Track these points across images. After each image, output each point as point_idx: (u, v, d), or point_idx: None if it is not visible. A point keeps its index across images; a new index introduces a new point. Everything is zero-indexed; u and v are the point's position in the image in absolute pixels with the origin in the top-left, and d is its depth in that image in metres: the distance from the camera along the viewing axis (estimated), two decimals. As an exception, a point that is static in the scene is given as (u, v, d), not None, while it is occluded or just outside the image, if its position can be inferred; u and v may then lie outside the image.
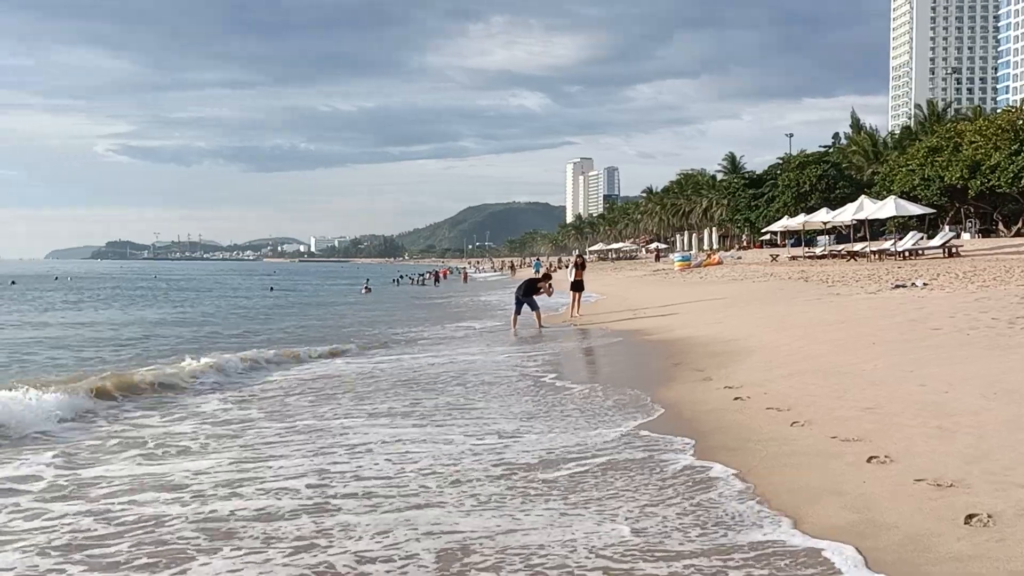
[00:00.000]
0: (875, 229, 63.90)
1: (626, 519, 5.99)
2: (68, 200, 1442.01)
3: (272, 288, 71.77)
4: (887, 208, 44.35)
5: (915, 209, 47.41)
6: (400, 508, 6.51)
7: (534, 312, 22.82)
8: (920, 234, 47.97)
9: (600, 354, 17.42)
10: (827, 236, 67.32)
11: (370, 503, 6.68)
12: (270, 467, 7.91)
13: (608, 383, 12.58)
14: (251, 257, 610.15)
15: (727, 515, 5.95)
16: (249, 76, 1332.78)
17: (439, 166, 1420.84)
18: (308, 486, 7.21)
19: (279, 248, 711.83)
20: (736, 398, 9.99)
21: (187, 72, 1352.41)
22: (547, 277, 25.03)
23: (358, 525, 6.11)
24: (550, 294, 24.44)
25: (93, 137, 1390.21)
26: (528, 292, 23.19)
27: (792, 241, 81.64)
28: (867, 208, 46.45)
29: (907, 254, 42.16)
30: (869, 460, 6.81)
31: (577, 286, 26.13)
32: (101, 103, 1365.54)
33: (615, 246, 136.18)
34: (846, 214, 49.11)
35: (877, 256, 43.62)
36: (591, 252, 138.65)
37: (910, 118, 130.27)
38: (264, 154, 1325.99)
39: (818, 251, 56.45)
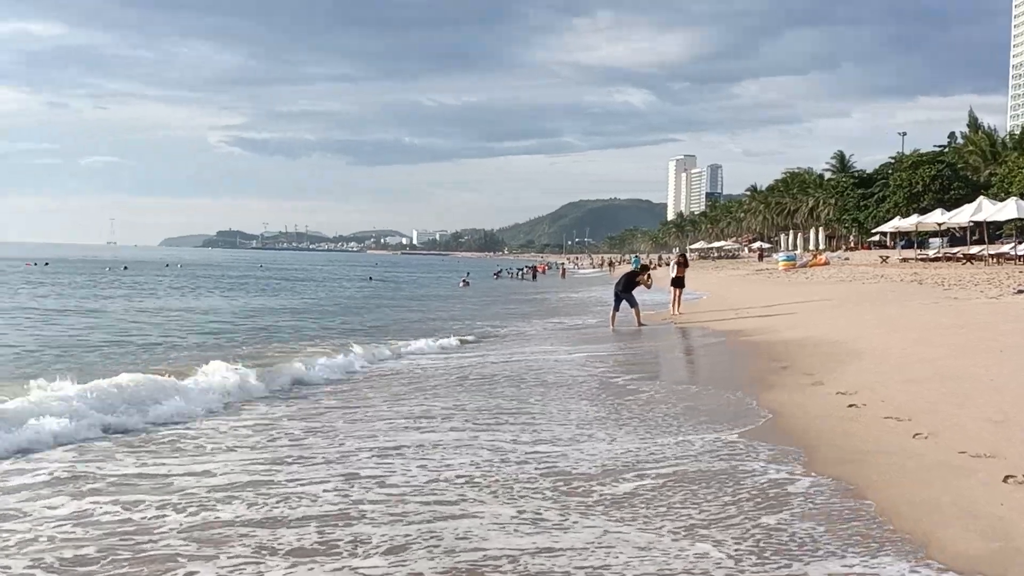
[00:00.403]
0: (992, 232, 61.24)
1: (715, 542, 5.42)
2: (182, 190, 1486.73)
3: (371, 278, 73.02)
4: (1008, 210, 42.04)
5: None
6: (429, 519, 6.01)
7: (633, 308, 22.20)
8: (1043, 237, 45.35)
9: (700, 354, 16.82)
10: (940, 238, 64.54)
11: (396, 512, 6.20)
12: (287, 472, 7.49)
13: (708, 385, 12.00)
14: (355, 249, 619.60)
15: (842, 538, 5.34)
16: (356, 70, 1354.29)
17: (541, 162, 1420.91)
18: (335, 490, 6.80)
19: (382, 240, 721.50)
20: (850, 405, 9.28)
21: (297, 66, 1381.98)
22: (645, 269, 24.30)
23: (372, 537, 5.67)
24: (649, 286, 23.78)
25: (207, 128, 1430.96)
26: (627, 287, 22.57)
27: (903, 243, 78.88)
28: (986, 209, 44.25)
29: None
30: (1005, 480, 6.12)
31: (678, 283, 25.44)
32: (215, 95, 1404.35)
33: (717, 244, 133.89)
34: (963, 215, 46.96)
35: (995, 260, 41.60)
36: (692, 250, 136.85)
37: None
38: (368, 147, 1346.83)
39: (931, 253, 54.16)
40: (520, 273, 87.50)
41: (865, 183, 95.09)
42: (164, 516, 6.14)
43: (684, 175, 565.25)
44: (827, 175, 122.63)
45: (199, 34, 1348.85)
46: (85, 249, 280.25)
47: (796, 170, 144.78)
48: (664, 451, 7.88)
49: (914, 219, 58.05)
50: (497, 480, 7.01)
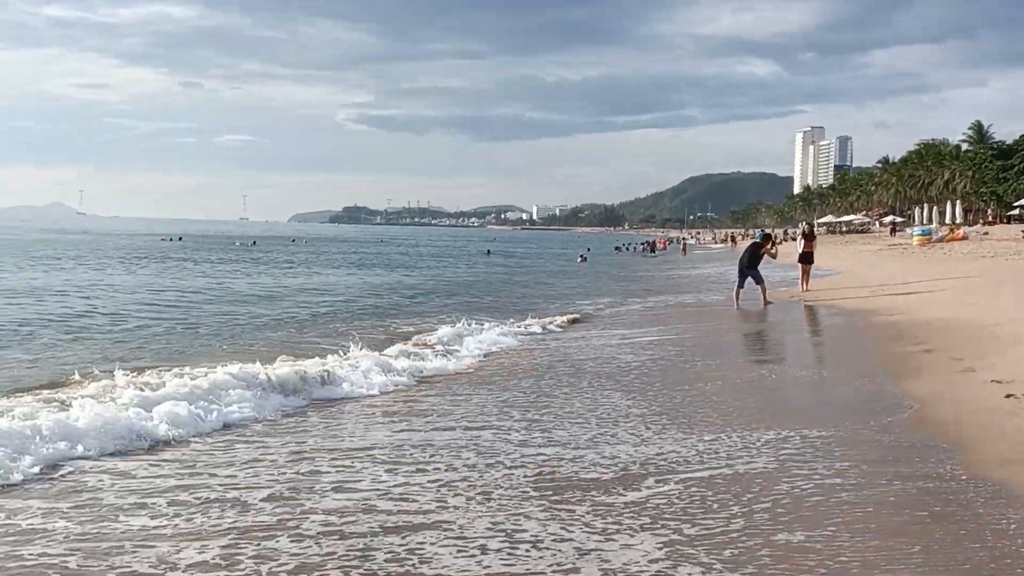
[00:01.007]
0: None
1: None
2: (311, 167, 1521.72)
3: (489, 252, 73.62)
4: None
5: None
6: (366, 534, 5.21)
7: (760, 286, 21.09)
8: None
9: (831, 335, 15.73)
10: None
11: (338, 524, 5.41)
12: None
13: (839, 369, 11.07)
14: (475, 224, 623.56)
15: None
16: (478, 46, 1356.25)
17: (663, 135, 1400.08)
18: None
19: (502, 216, 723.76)
20: (1009, 395, 8.28)
21: (420, 43, 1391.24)
22: (769, 238, 22.85)
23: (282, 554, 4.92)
24: (774, 256, 22.51)
25: (335, 106, 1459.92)
26: (752, 262, 21.39)
27: (1051, 217, 74.89)
28: None
29: None
30: None
31: (806, 259, 24.16)
32: (343, 74, 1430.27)
33: (846, 218, 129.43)
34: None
35: None
36: (820, 224, 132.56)
37: None
38: (490, 123, 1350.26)
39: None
40: (640, 248, 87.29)
41: (1005, 155, 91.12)
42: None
43: (811, 148, 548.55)
44: (964, 147, 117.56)
45: (328, 13, 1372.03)
46: (219, 225, 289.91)
47: (931, 141, 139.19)
48: (803, 450, 7.10)
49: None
50: (475, 487, 6.20)
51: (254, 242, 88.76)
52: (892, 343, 12.71)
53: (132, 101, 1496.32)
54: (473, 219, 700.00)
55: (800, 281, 24.28)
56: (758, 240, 22.45)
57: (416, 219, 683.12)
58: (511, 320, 18.70)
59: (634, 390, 9.96)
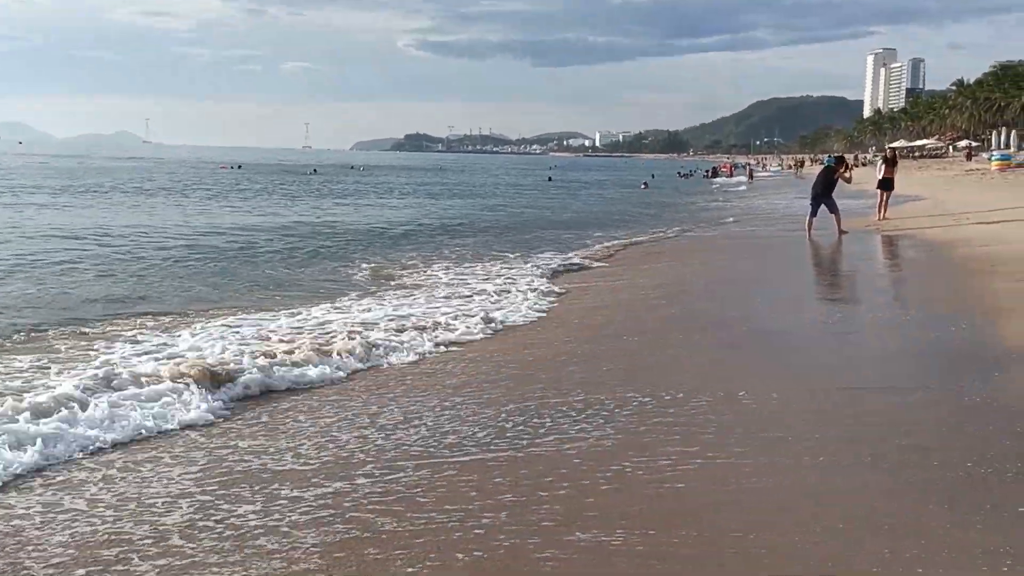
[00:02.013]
0: None
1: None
2: (372, 94, 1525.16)
3: (550, 179, 74.75)
4: None
5: None
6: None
7: (833, 214, 19.66)
8: None
9: (915, 269, 14.38)
10: None
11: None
12: None
13: (930, 308, 9.88)
14: (537, 151, 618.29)
15: None
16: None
17: (728, 58, 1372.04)
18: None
19: (564, 143, 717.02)
20: None
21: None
22: (842, 161, 21.17)
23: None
24: (849, 181, 20.98)
25: (397, 32, 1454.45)
26: (827, 188, 19.85)
27: None
28: None
29: None
30: None
31: (886, 185, 22.65)
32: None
33: (919, 143, 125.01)
34: None
35: None
36: (891, 149, 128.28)
37: None
38: (552, 48, 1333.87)
39: None
40: (705, 174, 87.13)
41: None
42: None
43: (883, 70, 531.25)
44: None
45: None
46: (281, 153, 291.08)
47: (1009, 63, 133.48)
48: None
49: None
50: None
51: (315, 170, 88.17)
52: (986, 279, 11.40)
53: (196, 28, 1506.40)
54: (535, 146, 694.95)
55: (878, 208, 22.81)
56: (831, 165, 20.86)
57: (478, 146, 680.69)
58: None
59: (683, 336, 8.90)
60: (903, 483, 4.53)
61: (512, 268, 15.94)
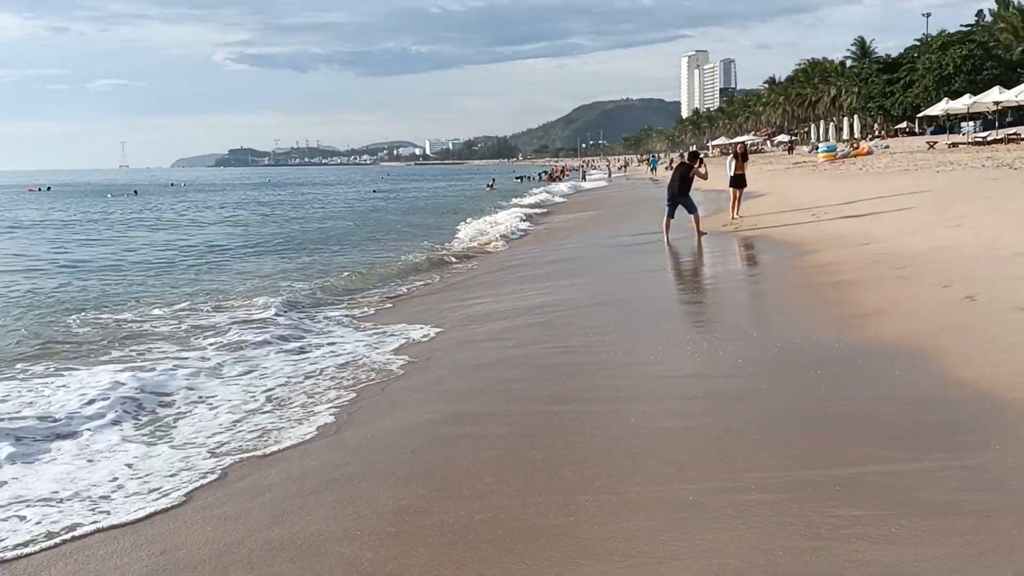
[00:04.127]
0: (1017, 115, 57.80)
1: None
2: (192, 110, 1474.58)
3: (375, 191, 74.85)
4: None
5: None
6: None
7: (692, 214, 18.30)
8: None
9: (806, 280, 11.70)
10: (971, 123, 60.34)
11: None
12: None
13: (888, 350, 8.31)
14: (367, 161, 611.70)
15: None
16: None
17: (551, 65, 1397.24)
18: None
19: (395, 152, 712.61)
20: None
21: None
22: (696, 156, 19.69)
23: None
24: (704, 177, 19.18)
25: (212, 45, 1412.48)
26: (684, 186, 18.39)
27: (932, 129, 74.84)
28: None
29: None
30: None
31: (738, 182, 21.49)
32: (216, 11, 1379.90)
33: (739, 139, 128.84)
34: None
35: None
36: (714, 146, 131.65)
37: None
38: (376, 58, 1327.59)
39: (975, 137, 49.37)
40: (539, 177, 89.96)
41: (890, 68, 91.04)
42: None
43: (697, 71, 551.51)
44: (848, 63, 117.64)
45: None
46: (98, 174, 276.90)
47: (816, 59, 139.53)
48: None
49: (968, 99, 53.36)
50: None
51: (135, 191, 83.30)
52: (906, 285, 9.91)
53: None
54: (365, 156, 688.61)
55: (731, 206, 21.67)
56: (685, 161, 19.46)
57: (306, 159, 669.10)
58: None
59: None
60: None
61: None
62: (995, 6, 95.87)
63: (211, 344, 10.17)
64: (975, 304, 8.14)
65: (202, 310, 12.92)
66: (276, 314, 11.99)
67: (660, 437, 5.62)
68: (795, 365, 7.07)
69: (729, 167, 21.73)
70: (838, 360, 7.09)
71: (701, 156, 19.89)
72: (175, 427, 7.01)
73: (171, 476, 5.78)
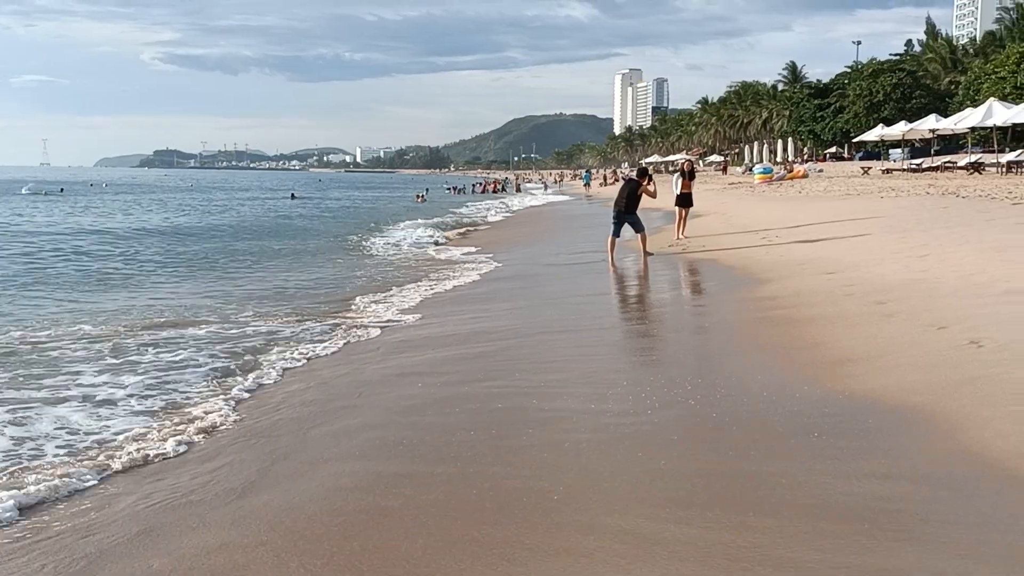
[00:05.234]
0: (947, 144, 58.42)
1: None
2: (117, 108, 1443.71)
3: (293, 196, 72.56)
4: (1028, 111, 37.36)
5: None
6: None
7: (640, 234, 17.21)
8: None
9: (790, 316, 10.29)
10: (900, 150, 61.11)
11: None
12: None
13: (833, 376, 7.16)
14: (296, 167, 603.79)
15: None
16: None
17: (485, 77, 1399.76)
18: None
19: (324, 158, 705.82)
20: None
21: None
22: (645, 173, 18.50)
23: None
24: (653, 195, 18.07)
25: (139, 45, 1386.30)
26: (631, 205, 17.30)
27: (861, 154, 75.65)
28: (999, 113, 39.49)
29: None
30: None
31: (685, 200, 20.49)
32: (146, 9, 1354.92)
33: (672, 158, 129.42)
34: (971, 120, 42.16)
35: (1008, 169, 37.00)
36: (646, 164, 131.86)
37: (975, 29, 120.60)
38: (309, 64, 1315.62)
39: (921, 164, 49.46)
40: (473, 189, 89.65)
41: (821, 93, 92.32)
42: None
43: (630, 89, 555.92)
44: (780, 86, 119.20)
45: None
46: (17, 171, 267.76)
47: (749, 82, 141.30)
48: None
49: (902, 126, 53.63)
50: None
51: (61, 189, 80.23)
52: (893, 323, 8.80)
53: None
54: (294, 162, 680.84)
55: (676, 226, 20.66)
56: (634, 177, 18.33)
57: (233, 162, 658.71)
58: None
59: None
60: None
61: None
62: (924, 37, 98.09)
63: None
64: (984, 352, 7.04)
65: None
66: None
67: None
68: (781, 431, 5.86)
69: (676, 185, 20.73)
70: (830, 424, 5.91)
71: (650, 173, 18.80)
72: None
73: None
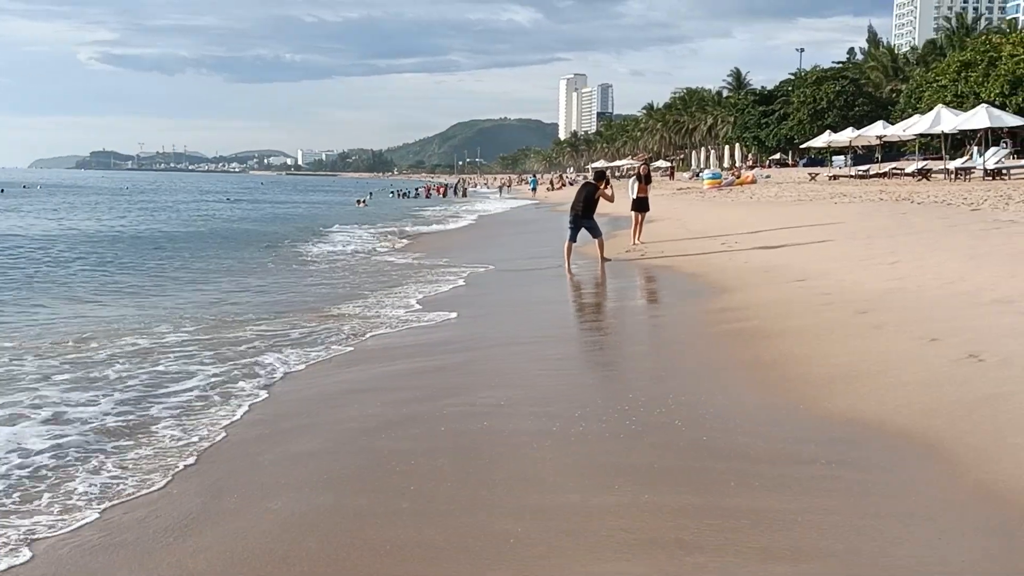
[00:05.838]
0: (889, 151, 59.14)
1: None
2: (52, 108, 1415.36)
3: (229, 198, 72.82)
4: (978, 118, 37.43)
5: (1011, 120, 39.93)
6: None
7: (597, 239, 16.64)
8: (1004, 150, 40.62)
9: (767, 329, 9.47)
10: (844, 156, 61.86)
11: None
12: None
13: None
14: (236, 169, 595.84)
15: None
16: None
17: (428, 80, 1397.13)
18: None
19: (265, 161, 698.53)
20: None
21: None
22: (602, 177, 17.89)
23: None
24: (611, 199, 17.37)
25: (75, 44, 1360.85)
26: (589, 209, 16.73)
27: (804, 161, 76.35)
28: (947, 120, 39.63)
29: (993, 174, 35.41)
30: None
31: (641, 205, 20.00)
32: (81, 8, 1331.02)
33: (619, 163, 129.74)
34: (919, 126, 42.28)
35: (956, 175, 37.13)
36: (592, 169, 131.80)
37: (914, 37, 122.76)
38: (248, 64, 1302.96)
39: (868, 170, 49.60)
40: (417, 193, 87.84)
41: (766, 100, 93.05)
42: None
43: (575, 95, 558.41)
44: (725, 93, 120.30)
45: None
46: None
47: (694, 88, 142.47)
48: None
49: (849, 132, 53.95)
50: None
51: (2, 189, 77.88)
52: (883, 336, 8.23)
53: None
54: (234, 164, 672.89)
55: (632, 231, 20.16)
56: (591, 181, 17.73)
57: (172, 164, 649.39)
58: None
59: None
60: None
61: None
62: (866, 45, 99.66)
63: None
64: (987, 367, 6.52)
65: None
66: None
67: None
68: (773, 470, 5.25)
69: (632, 189, 20.26)
70: (822, 454, 5.33)
71: (608, 177, 18.21)
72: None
73: None
